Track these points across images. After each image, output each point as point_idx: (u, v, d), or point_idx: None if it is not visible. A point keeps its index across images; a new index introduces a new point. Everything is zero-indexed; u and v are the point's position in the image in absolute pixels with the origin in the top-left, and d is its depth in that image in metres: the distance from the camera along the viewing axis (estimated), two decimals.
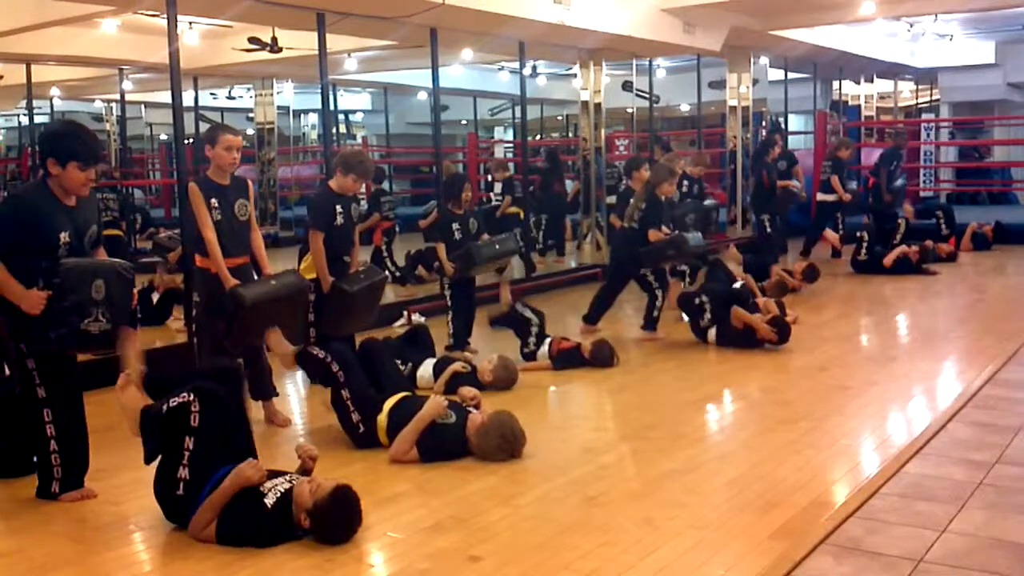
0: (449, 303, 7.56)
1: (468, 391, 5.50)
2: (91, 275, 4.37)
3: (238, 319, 5.46)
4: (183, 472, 4.08)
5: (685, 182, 10.46)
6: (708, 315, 7.94)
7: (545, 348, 7.37)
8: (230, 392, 4.35)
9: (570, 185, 14.71)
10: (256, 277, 5.85)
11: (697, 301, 8.04)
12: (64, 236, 4.41)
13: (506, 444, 5.01)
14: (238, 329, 5.51)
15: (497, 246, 7.87)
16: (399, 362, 6.65)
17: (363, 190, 10.41)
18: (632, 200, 8.44)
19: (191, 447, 4.08)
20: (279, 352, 5.51)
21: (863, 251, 11.95)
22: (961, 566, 3.62)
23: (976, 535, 3.90)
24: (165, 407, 4.16)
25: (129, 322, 4.57)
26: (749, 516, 4.23)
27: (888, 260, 11.64)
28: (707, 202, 10.98)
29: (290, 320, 5.94)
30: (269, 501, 3.98)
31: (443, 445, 5.05)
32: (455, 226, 7.51)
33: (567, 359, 7.26)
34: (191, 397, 4.12)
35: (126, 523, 4.39)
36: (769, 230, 11.85)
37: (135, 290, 4.62)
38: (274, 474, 4.17)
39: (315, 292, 6.28)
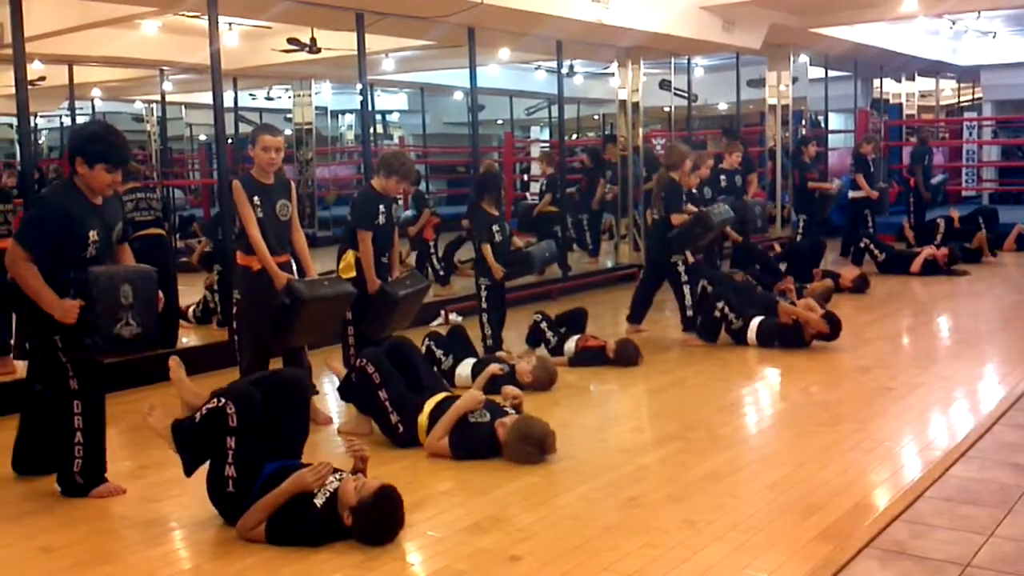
0: (484, 304, 7.52)
1: (511, 390, 5.50)
2: (118, 281, 4.42)
3: (292, 314, 5.45)
4: (230, 471, 4.12)
5: (722, 177, 10.24)
6: (732, 316, 7.78)
7: (572, 344, 7.35)
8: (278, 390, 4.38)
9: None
10: (298, 276, 5.86)
11: (716, 314, 7.82)
12: (93, 235, 4.49)
13: (530, 446, 4.94)
14: (288, 325, 5.49)
15: (547, 254, 8.03)
16: (442, 353, 6.67)
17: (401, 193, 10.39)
18: (653, 190, 8.32)
19: (234, 446, 4.11)
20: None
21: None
22: (1009, 571, 3.56)
23: None
24: (198, 415, 4.22)
25: (157, 328, 4.59)
26: (792, 519, 4.19)
27: (915, 266, 11.46)
28: (752, 200, 10.71)
29: (332, 326, 5.96)
30: (319, 501, 3.99)
31: (472, 441, 5.05)
32: (495, 227, 7.45)
33: (587, 358, 7.22)
34: (222, 401, 4.16)
35: (167, 521, 4.42)
36: (801, 231, 11.71)
37: (160, 295, 4.65)
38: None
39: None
